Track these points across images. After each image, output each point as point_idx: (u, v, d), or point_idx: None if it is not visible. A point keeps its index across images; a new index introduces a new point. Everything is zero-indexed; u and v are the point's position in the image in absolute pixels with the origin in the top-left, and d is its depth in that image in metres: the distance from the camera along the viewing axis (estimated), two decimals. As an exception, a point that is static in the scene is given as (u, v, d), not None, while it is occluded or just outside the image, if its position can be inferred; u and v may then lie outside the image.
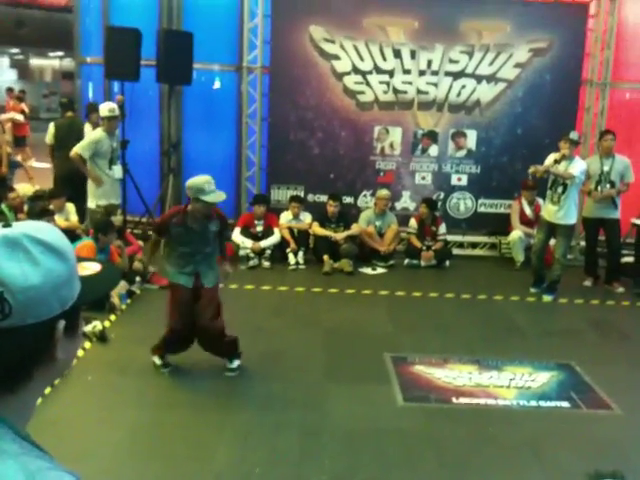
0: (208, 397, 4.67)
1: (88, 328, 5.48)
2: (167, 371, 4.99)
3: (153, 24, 8.47)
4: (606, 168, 7.45)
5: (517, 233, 8.28)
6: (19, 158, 10.17)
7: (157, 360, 5.01)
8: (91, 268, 1.12)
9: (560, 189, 6.95)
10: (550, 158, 6.96)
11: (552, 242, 7.46)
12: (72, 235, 7.09)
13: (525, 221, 8.39)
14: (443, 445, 4.14)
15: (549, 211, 7.11)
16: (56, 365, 1.03)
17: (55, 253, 0.99)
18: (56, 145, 8.39)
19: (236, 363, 5.00)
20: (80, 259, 1.12)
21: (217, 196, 4.54)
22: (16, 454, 0.94)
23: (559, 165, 6.83)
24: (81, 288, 1.05)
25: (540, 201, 8.25)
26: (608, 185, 7.44)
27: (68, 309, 1.01)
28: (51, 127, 8.56)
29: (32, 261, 0.96)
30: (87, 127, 8.30)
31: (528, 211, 8.41)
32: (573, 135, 6.94)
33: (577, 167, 6.87)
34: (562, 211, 6.97)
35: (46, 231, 1.01)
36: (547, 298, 7.17)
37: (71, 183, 7.73)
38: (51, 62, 30.67)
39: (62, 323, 1.00)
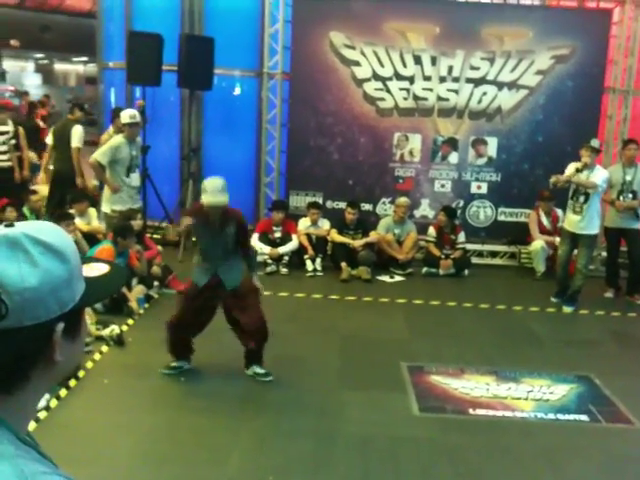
0: (223, 402, 4.67)
1: (106, 332, 5.52)
2: (175, 373, 4.97)
3: (175, 29, 8.54)
4: (628, 177, 7.35)
5: (539, 243, 8.18)
6: (38, 161, 10.32)
7: (171, 363, 5.01)
8: (99, 269, 1.11)
9: (582, 198, 6.86)
10: (571, 167, 6.86)
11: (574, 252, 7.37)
12: (93, 239, 7.18)
13: (543, 231, 8.29)
14: (458, 456, 4.10)
15: (571, 221, 7.01)
16: (56, 368, 1.02)
17: (55, 254, 0.98)
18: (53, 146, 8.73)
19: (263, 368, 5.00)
20: (91, 259, 1.11)
21: (213, 198, 4.55)
22: (12, 456, 0.93)
23: (581, 174, 6.75)
24: (85, 289, 1.03)
25: (558, 211, 8.17)
26: (630, 195, 7.34)
27: (68, 311, 0.99)
28: (51, 130, 8.80)
29: (31, 262, 0.95)
30: (109, 132, 8.36)
31: (545, 222, 8.31)
32: (594, 143, 6.85)
33: (599, 176, 6.78)
34: (584, 221, 6.88)
35: (47, 231, 1.00)
36: (567, 309, 7.07)
37: (62, 184, 8.11)
38: (75, 67, 31.08)
39: (61, 325, 0.98)
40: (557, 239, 7.91)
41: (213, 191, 4.55)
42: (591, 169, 6.78)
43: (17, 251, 0.95)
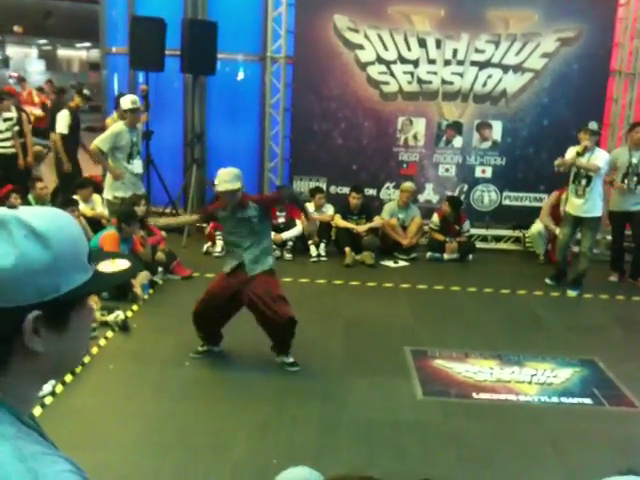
0: (227, 388, 4.69)
1: (110, 317, 5.54)
2: (202, 357, 5.07)
3: (178, 14, 8.47)
4: (634, 160, 7.30)
5: (537, 226, 8.16)
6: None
7: (199, 347, 5.09)
8: (120, 265, 1.09)
9: (584, 181, 6.84)
10: (571, 151, 6.84)
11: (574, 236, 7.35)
12: (98, 225, 7.19)
13: (555, 216, 8.10)
14: (462, 440, 4.11)
15: (574, 204, 6.99)
16: (41, 359, 0.99)
17: (39, 239, 0.96)
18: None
19: (291, 357, 4.99)
20: (111, 254, 1.10)
21: (223, 186, 4.68)
22: (12, 437, 0.93)
23: (582, 158, 6.72)
24: (86, 282, 1.01)
25: None
26: (635, 178, 7.26)
27: (50, 301, 0.97)
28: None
29: (12, 243, 0.94)
30: (114, 117, 8.33)
31: (562, 206, 8.17)
32: (592, 125, 6.81)
33: (601, 158, 6.75)
34: (588, 204, 6.86)
35: (39, 216, 0.98)
36: (572, 293, 7.06)
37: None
38: (78, 53, 30.98)
39: (35, 313, 0.95)
40: (558, 230, 7.81)
41: (225, 179, 4.69)
42: (592, 151, 6.76)
43: (2, 232, 0.94)
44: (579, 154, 6.72)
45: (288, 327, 4.82)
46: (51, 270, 0.97)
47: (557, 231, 7.64)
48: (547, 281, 7.32)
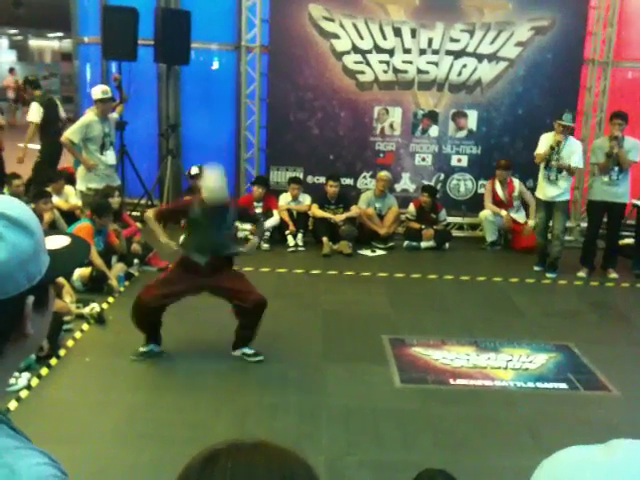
0: (205, 379, 4.67)
1: (86, 310, 5.49)
2: (144, 359, 4.82)
3: (151, 3, 8.38)
4: (615, 151, 7.30)
5: (485, 212, 8.27)
6: None
7: (141, 348, 4.86)
8: (59, 242, 1.09)
9: (555, 170, 6.96)
10: (543, 141, 6.96)
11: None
12: (72, 217, 7.09)
13: (497, 201, 8.28)
14: (440, 426, 4.15)
15: (544, 190, 7.09)
16: (28, 341, 1.01)
17: (20, 228, 0.96)
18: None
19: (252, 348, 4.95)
20: (47, 233, 1.09)
21: (215, 195, 4.49)
22: None
23: (558, 153, 6.86)
24: (50, 262, 1.02)
25: (515, 181, 8.23)
26: (616, 168, 7.24)
27: (36, 284, 0.98)
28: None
29: None
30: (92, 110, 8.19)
31: (500, 192, 8.26)
32: (566, 119, 6.87)
33: (578, 154, 6.92)
34: (559, 189, 7.02)
35: (11, 205, 0.99)
36: (550, 276, 7.19)
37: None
38: (50, 43, 30.46)
39: (31, 298, 0.98)
40: (503, 212, 8.13)
41: (212, 187, 4.50)
42: (565, 142, 6.89)
43: None
44: (552, 148, 6.82)
45: (259, 309, 4.74)
46: (35, 255, 0.98)
47: (503, 213, 8.07)
48: (535, 268, 7.40)
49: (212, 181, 4.55)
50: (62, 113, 9.08)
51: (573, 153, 6.92)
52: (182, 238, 5.01)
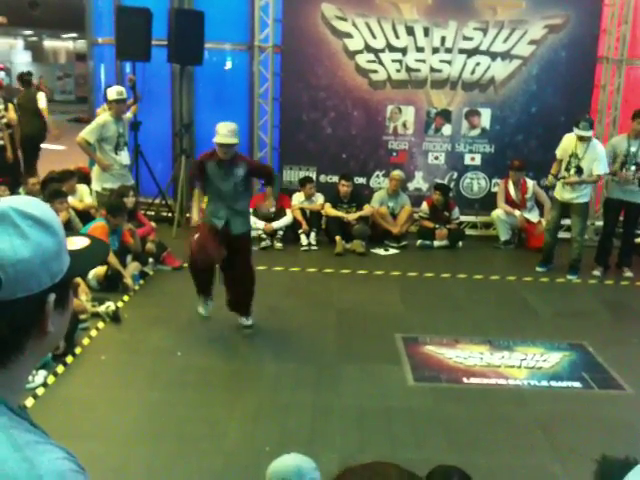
0: (220, 377, 4.70)
1: (102, 308, 5.54)
2: (206, 312, 5.31)
3: (164, 3, 8.41)
4: (633, 149, 7.18)
5: (497, 212, 8.26)
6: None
7: (200, 309, 5.32)
8: (80, 242, 1.12)
9: (573, 171, 6.91)
10: (565, 142, 6.98)
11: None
12: (87, 216, 7.14)
13: (509, 201, 8.27)
14: (453, 425, 4.15)
15: (562, 192, 7.03)
16: (47, 338, 1.04)
17: (44, 227, 1.00)
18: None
19: (251, 320, 5.33)
20: (68, 234, 1.12)
21: (224, 139, 4.90)
22: (5, 427, 0.95)
23: (578, 150, 6.82)
24: (70, 262, 1.05)
25: (529, 182, 8.21)
26: (634, 167, 7.20)
27: (58, 282, 1.01)
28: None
29: (21, 235, 0.97)
30: (104, 107, 8.24)
31: (513, 192, 8.25)
32: (583, 129, 6.77)
33: (601, 161, 6.82)
34: (577, 191, 6.94)
35: (33, 205, 1.01)
36: (570, 278, 7.13)
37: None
38: (65, 44, 30.66)
39: (52, 296, 1.01)
40: (517, 212, 8.12)
41: (224, 132, 4.91)
42: (587, 144, 6.81)
43: (6, 225, 0.96)
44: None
45: (251, 288, 5.23)
46: (58, 254, 1.02)
47: (517, 213, 8.07)
48: (538, 268, 7.35)
49: (222, 126, 4.94)
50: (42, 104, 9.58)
51: (595, 160, 6.81)
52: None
